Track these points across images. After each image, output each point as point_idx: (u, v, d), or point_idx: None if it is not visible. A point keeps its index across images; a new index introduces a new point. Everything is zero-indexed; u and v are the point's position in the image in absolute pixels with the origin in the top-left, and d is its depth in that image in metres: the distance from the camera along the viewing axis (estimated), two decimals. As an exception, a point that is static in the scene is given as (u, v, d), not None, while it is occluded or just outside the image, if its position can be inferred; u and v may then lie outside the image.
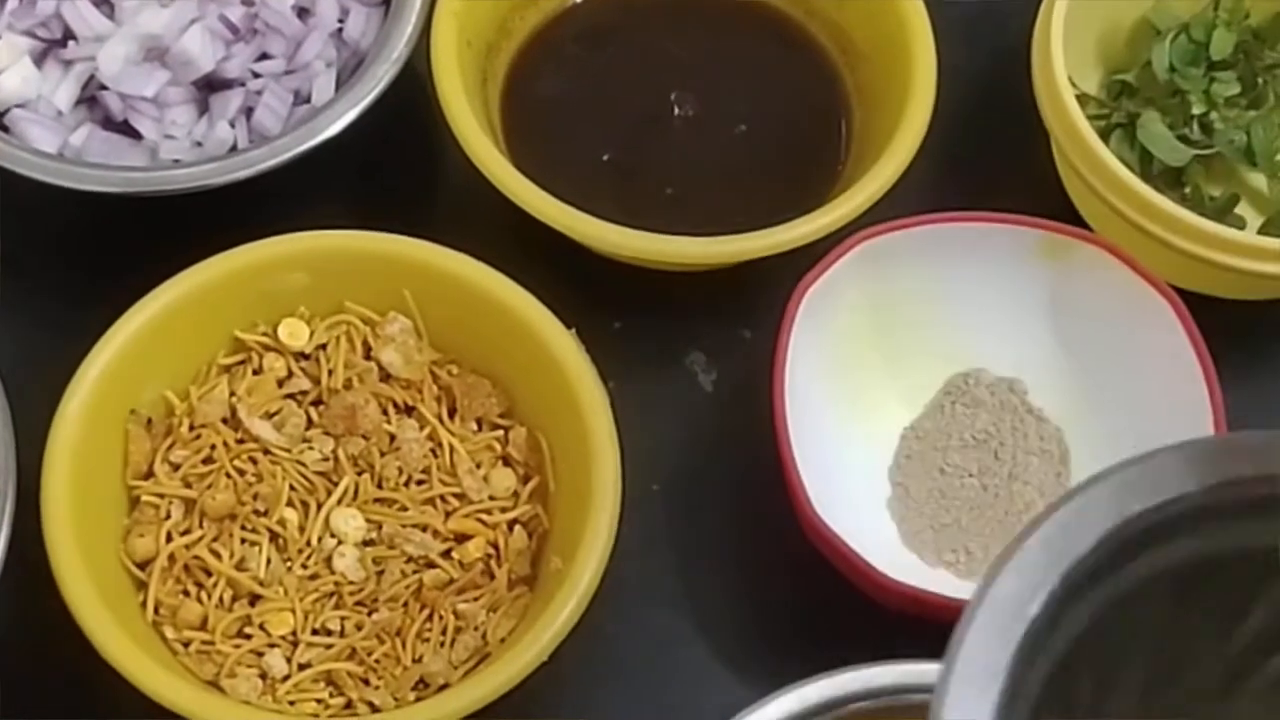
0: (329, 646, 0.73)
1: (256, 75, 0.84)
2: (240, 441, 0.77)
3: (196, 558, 0.74)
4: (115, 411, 0.76)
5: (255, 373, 0.78)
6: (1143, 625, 0.49)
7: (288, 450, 0.76)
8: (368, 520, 0.75)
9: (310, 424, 0.77)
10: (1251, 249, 0.79)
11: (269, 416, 0.77)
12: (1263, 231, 0.84)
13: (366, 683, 0.73)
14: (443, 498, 0.76)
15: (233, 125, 0.83)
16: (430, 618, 0.74)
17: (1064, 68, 0.81)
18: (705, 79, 0.86)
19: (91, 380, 0.74)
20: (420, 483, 0.77)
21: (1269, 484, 0.48)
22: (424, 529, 0.75)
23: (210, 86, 0.84)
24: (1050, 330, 0.81)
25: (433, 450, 0.77)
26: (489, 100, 0.85)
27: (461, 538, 0.76)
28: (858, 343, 0.80)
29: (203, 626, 0.74)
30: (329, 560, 0.75)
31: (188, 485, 0.76)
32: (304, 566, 0.75)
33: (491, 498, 0.77)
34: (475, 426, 0.78)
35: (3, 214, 0.83)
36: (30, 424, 0.74)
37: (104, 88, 0.83)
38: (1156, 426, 0.76)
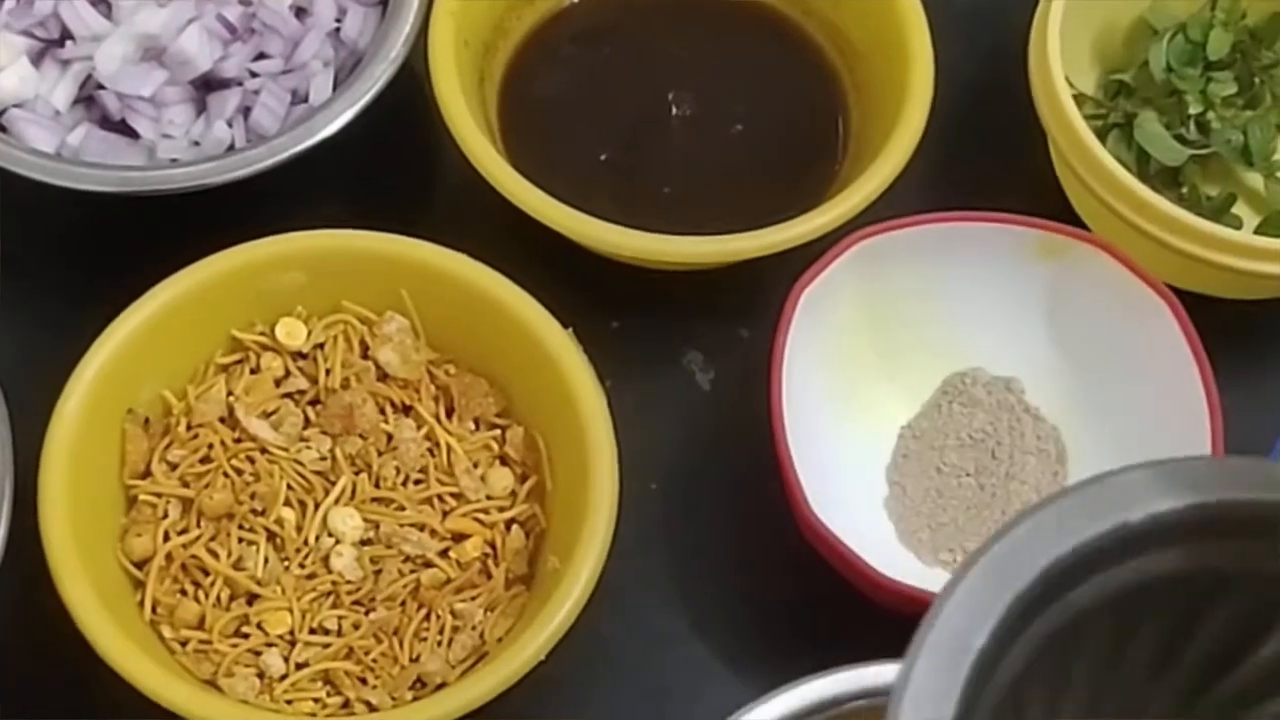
0: (326, 646, 0.73)
1: (254, 75, 0.84)
2: (238, 441, 0.76)
3: (194, 557, 0.74)
4: (113, 411, 0.76)
5: (253, 372, 0.78)
6: (1090, 651, 0.49)
7: (285, 449, 0.76)
8: (365, 519, 0.75)
9: (308, 423, 0.77)
10: (1248, 249, 0.79)
11: (266, 416, 0.77)
12: (1259, 231, 0.84)
13: (364, 682, 0.73)
14: (440, 497, 0.76)
15: (230, 125, 0.83)
16: (428, 617, 0.74)
17: (1061, 67, 0.81)
18: (702, 78, 0.86)
19: (89, 379, 0.74)
20: (418, 482, 0.77)
21: (1205, 510, 0.48)
22: (421, 528, 0.75)
23: (208, 86, 0.84)
24: (1047, 330, 0.81)
25: (430, 450, 0.77)
26: (486, 100, 0.85)
27: (459, 537, 0.76)
28: (855, 342, 0.80)
29: (200, 626, 0.74)
30: (326, 559, 0.75)
31: (185, 484, 0.76)
32: (301, 566, 0.75)
33: (489, 497, 0.77)
34: (473, 426, 0.78)
35: (0, 214, 0.83)
36: (28, 423, 0.74)
37: (101, 87, 0.83)
38: (1153, 425, 0.76)
